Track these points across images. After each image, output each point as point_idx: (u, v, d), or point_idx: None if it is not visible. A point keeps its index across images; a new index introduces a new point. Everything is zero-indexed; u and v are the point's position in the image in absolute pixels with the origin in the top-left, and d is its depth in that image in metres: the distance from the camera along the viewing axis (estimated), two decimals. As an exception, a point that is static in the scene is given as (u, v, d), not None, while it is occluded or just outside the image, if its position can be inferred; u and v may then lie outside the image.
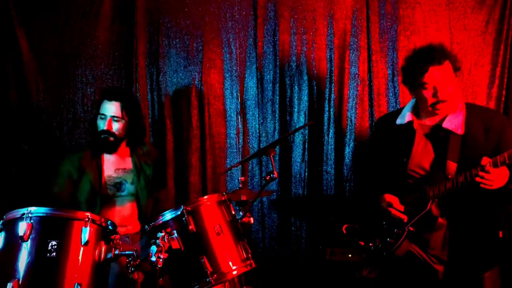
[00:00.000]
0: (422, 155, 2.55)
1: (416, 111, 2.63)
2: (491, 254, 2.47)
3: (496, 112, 3.04)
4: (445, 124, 2.48)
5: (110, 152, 2.99)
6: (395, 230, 2.52)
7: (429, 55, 2.43)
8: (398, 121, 2.66)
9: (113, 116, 2.92)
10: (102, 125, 2.93)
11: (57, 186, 2.91)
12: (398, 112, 2.73)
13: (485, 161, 2.24)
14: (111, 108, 2.92)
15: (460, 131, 2.45)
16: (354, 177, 3.55)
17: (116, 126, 2.93)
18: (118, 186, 2.98)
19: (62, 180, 2.92)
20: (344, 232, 2.77)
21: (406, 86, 2.63)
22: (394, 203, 2.56)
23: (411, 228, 2.47)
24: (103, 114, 2.94)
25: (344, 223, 2.80)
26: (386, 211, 2.58)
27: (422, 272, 2.49)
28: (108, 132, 2.91)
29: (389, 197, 2.59)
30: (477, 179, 2.26)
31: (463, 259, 2.43)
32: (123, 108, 2.93)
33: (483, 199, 2.42)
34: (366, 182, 2.97)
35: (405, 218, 2.51)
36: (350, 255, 3.13)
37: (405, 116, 2.63)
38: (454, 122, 2.47)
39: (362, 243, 2.68)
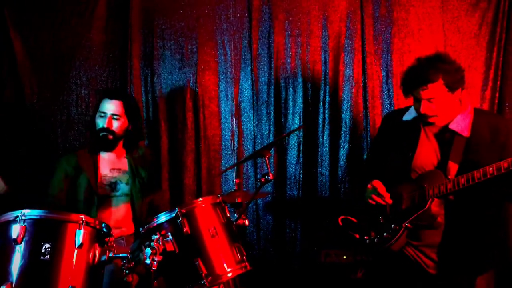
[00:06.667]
0: (427, 153, 2.56)
1: None
2: (487, 257, 2.48)
3: (502, 117, 3.08)
4: (452, 126, 2.50)
5: (107, 150, 2.99)
6: (393, 225, 2.53)
7: (420, 76, 2.44)
8: (405, 117, 2.68)
9: (113, 114, 2.93)
10: (101, 123, 2.93)
11: (52, 187, 2.91)
12: (406, 109, 2.74)
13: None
14: (111, 107, 2.93)
15: (466, 133, 2.47)
16: (348, 178, 3.55)
17: (115, 124, 2.94)
18: (113, 186, 2.97)
19: (58, 180, 2.92)
20: (340, 223, 2.77)
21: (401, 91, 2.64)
22: (379, 188, 2.58)
23: (409, 225, 2.48)
24: (103, 112, 2.94)
25: (338, 227, 2.79)
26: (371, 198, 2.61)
27: (414, 272, 2.50)
28: (108, 129, 2.92)
29: (375, 183, 2.61)
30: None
31: (457, 261, 2.43)
32: (124, 107, 2.95)
33: (484, 202, 2.44)
34: (368, 176, 2.96)
35: (385, 204, 2.54)
36: (344, 257, 3.13)
37: (413, 113, 2.64)
38: (461, 124, 2.49)
39: (357, 236, 2.69)
